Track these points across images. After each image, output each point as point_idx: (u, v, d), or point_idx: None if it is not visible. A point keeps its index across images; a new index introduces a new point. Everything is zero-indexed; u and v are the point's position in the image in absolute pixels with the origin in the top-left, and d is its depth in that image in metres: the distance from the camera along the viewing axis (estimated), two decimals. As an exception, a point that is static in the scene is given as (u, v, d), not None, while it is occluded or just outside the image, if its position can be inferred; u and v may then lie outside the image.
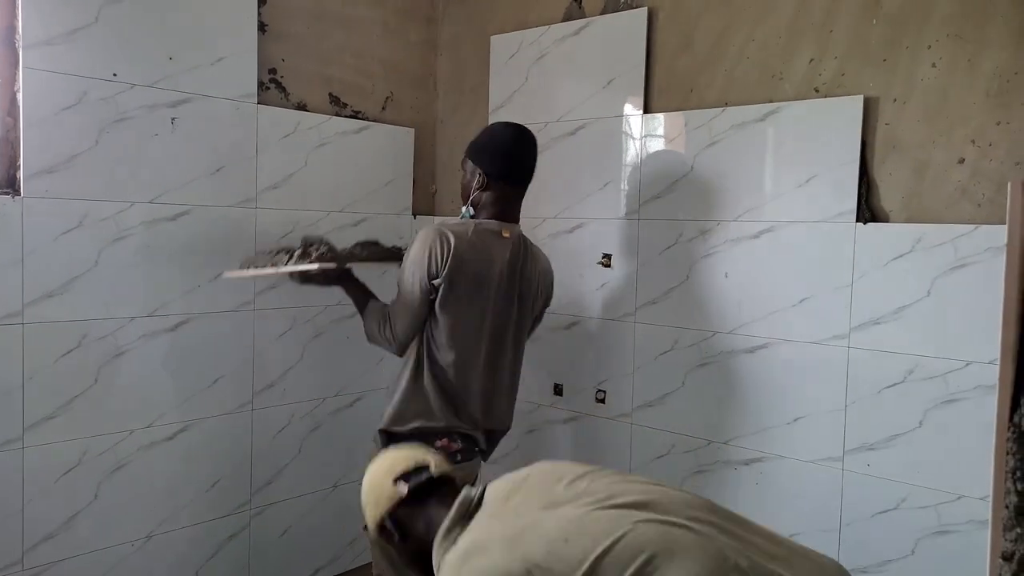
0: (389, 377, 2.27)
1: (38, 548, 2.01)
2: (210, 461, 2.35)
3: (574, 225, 2.58)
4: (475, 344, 1.99)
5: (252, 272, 2.09)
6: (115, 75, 2.06)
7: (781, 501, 2.14)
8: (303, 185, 2.47)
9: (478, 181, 2.01)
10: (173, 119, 2.18)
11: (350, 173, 2.62)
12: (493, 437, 2.15)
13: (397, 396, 1.99)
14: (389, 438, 1.99)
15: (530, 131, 2.09)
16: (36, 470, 1.99)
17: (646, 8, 2.38)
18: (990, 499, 1.16)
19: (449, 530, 1.26)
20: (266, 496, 2.50)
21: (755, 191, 2.17)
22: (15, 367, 1.94)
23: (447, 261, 1.89)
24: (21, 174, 1.93)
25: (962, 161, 1.87)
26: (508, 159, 2.03)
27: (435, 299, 1.93)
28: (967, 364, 1.85)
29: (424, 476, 1.40)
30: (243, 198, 2.36)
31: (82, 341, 2.05)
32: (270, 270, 2.03)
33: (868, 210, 2.01)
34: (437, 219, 2.03)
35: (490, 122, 2.78)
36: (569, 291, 2.59)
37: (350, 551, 2.75)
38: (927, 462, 1.91)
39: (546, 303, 2.20)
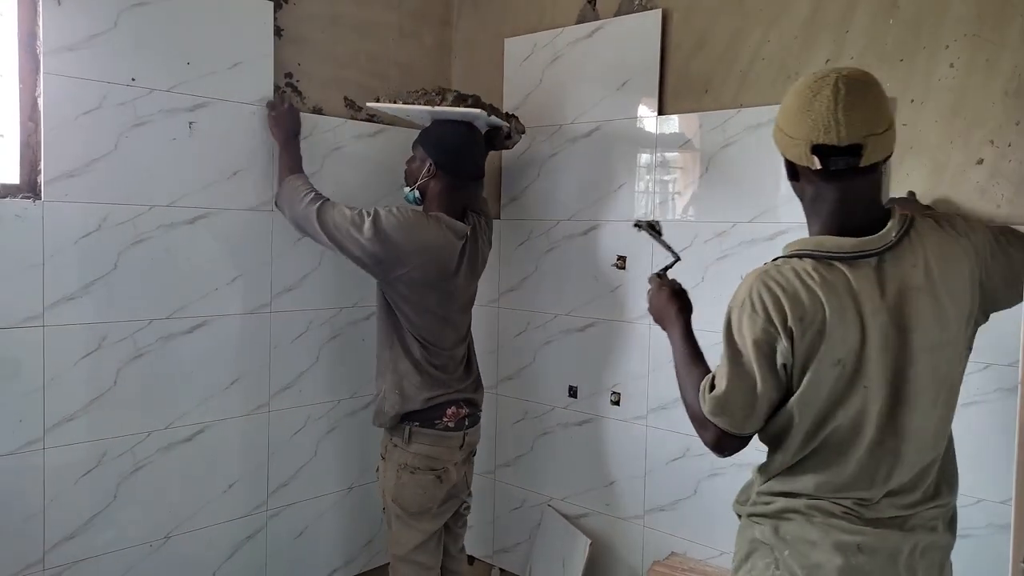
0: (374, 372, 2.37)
1: (59, 548, 2.03)
2: (227, 462, 2.37)
3: (588, 227, 2.58)
4: (445, 325, 2.24)
5: (394, 105, 2.28)
6: (134, 80, 2.08)
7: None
8: (320, 188, 2.47)
9: (427, 170, 2.20)
10: (191, 123, 2.20)
11: (366, 176, 2.63)
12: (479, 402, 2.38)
13: (398, 383, 2.20)
14: (407, 419, 2.19)
15: (480, 132, 2.29)
16: (57, 471, 2.02)
17: (660, 9, 2.37)
18: (1012, 503, 1.14)
19: None
20: (282, 497, 2.51)
21: (770, 193, 2.16)
22: (36, 369, 1.97)
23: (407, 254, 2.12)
24: (42, 178, 1.96)
25: (981, 162, 1.86)
26: (457, 155, 2.21)
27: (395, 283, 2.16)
28: (986, 366, 1.84)
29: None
30: (259, 201, 2.38)
31: (102, 343, 2.07)
32: (413, 106, 2.25)
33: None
34: (391, 209, 2.16)
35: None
36: (583, 293, 2.59)
37: (366, 552, 2.76)
38: (946, 465, 1.90)
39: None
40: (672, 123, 2.37)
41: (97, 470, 2.09)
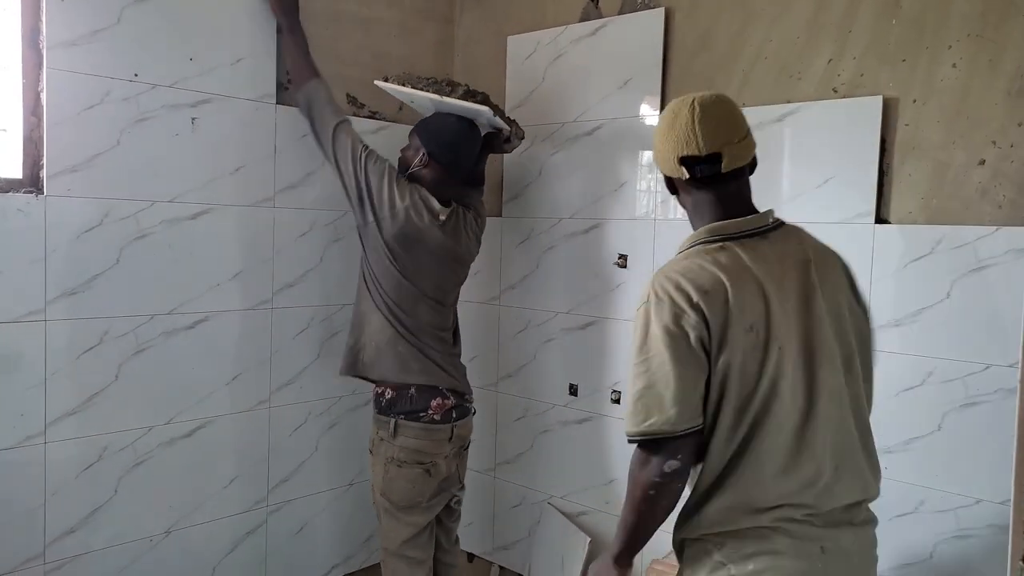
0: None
1: (59, 542, 2.04)
2: (228, 458, 2.37)
3: (590, 225, 2.58)
4: (418, 299, 2.25)
5: (403, 88, 2.31)
6: (136, 75, 2.08)
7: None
8: (321, 184, 2.48)
9: (420, 159, 2.24)
10: (193, 119, 2.20)
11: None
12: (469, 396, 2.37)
13: (372, 335, 2.23)
14: (391, 410, 2.21)
15: (479, 131, 2.31)
16: (58, 465, 2.02)
17: (663, 8, 2.37)
18: (1011, 503, 1.15)
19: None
20: (283, 493, 2.52)
21: (772, 192, 2.16)
22: (38, 364, 1.97)
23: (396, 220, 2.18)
24: (44, 173, 1.96)
25: (983, 162, 1.86)
26: (451, 148, 2.24)
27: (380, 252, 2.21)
28: (987, 367, 1.84)
29: None
30: (261, 197, 2.38)
31: (103, 338, 2.07)
32: (421, 92, 2.28)
33: (886, 211, 2.00)
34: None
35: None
36: (584, 291, 2.59)
37: (365, 549, 2.77)
38: (945, 466, 1.90)
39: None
40: (674, 122, 2.37)
41: (98, 465, 2.09)
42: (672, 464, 1.36)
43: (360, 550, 2.76)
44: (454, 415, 2.25)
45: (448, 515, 2.40)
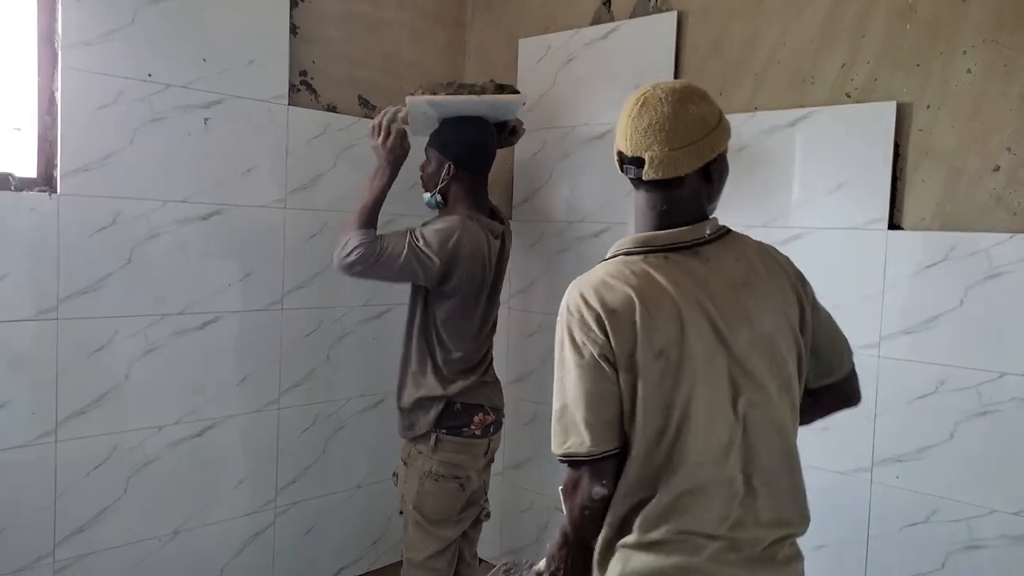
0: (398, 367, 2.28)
1: (69, 541, 2.04)
2: (237, 459, 2.37)
3: (600, 229, 2.57)
4: (480, 330, 2.20)
5: (437, 97, 2.15)
6: (150, 75, 2.09)
7: (808, 512, 2.11)
8: (332, 186, 2.49)
9: (447, 171, 2.13)
10: (206, 120, 2.21)
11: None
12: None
13: (424, 399, 2.14)
14: (435, 426, 2.13)
15: (491, 124, 2.24)
16: (68, 464, 2.03)
17: (675, 11, 2.37)
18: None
19: None
20: (291, 495, 2.52)
21: (784, 197, 2.15)
22: (49, 362, 1.98)
23: (452, 263, 2.05)
24: (58, 172, 1.97)
25: (997, 168, 1.84)
26: (474, 150, 2.17)
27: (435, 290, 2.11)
28: (1001, 375, 1.82)
29: None
30: (273, 198, 2.39)
31: (114, 337, 2.08)
32: (450, 98, 2.14)
33: (899, 218, 1.98)
34: (429, 224, 2.11)
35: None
36: (595, 295, 2.58)
37: (373, 551, 2.76)
38: (958, 475, 1.88)
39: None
40: (686, 126, 2.36)
41: (107, 464, 2.10)
42: (599, 491, 1.28)
43: (368, 552, 2.76)
44: (491, 430, 2.21)
45: (474, 528, 2.35)
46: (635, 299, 1.26)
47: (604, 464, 1.27)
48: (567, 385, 1.28)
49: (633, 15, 2.49)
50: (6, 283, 1.90)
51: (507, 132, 2.37)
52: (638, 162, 1.31)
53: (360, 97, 2.63)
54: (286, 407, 2.48)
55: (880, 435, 1.99)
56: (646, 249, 1.32)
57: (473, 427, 2.15)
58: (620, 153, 1.34)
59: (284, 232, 2.42)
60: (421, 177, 2.25)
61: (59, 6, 1.94)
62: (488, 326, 2.24)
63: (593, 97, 2.58)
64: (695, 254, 1.32)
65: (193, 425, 2.26)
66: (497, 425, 2.24)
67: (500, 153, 2.42)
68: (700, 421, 1.25)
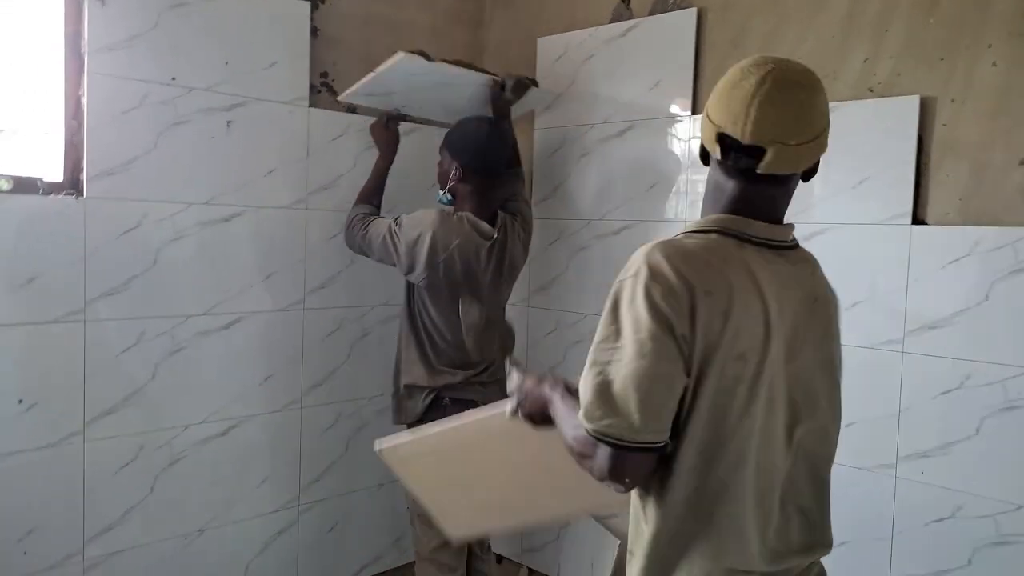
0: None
1: (97, 539, 2.07)
2: (260, 457, 2.39)
3: (620, 227, 2.57)
4: (468, 330, 2.22)
5: (413, 57, 2.19)
6: (174, 79, 2.11)
7: (832, 508, 2.11)
8: (353, 186, 2.49)
9: (455, 173, 2.20)
10: (228, 122, 2.23)
11: (399, 175, 2.64)
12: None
13: (411, 385, 2.23)
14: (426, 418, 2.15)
15: (505, 127, 2.28)
16: (96, 463, 2.06)
17: (695, 8, 2.36)
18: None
19: None
20: (314, 493, 2.54)
21: (807, 193, 2.14)
22: (77, 362, 2.01)
23: (437, 260, 2.13)
24: (84, 176, 2.00)
25: (1023, 163, 1.83)
26: (481, 154, 2.20)
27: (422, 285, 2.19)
28: (1027, 371, 1.81)
29: None
30: (294, 199, 2.40)
31: (140, 338, 2.11)
32: (430, 64, 2.22)
33: (923, 212, 1.97)
34: (415, 212, 2.21)
35: (535, 126, 2.79)
36: (615, 293, 2.58)
37: (395, 549, 2.78)
38: (984, 470, 1.87)
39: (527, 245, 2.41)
40: (706, 123, 2.36)
41: (135, 463, 2.13)
42: (618, 487, 1.11)
43: (390, 550, 2.77)
44: None
45: None
46: (733, 287, 1.09)
47: (642, 459, 1.09)
48: (625, 356, 1.06)
49: (652, 12, 2.48)
50: (35, 285, 1.93)
51: (500, 93, 2.42)
52: (754, 152, 1.11)
53: (379, 97, 2.64)
54: (309, 406, 2.50)
55: (904, 431, 1.98)
56: (741, 235, 1.15)
57: None
58: (725, 137, 1.12)
59: (306, 233, 2.44)
60: (437, 173, 2.31)
61: (85, 12, 1.96)
62: (483, 324, 2.23)
63: (612, 95, 2.57)
64: (781, 255, 1.17)
65: (218, 424, 2.28)
66: None
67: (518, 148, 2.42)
68: (756, 443, 1.11)
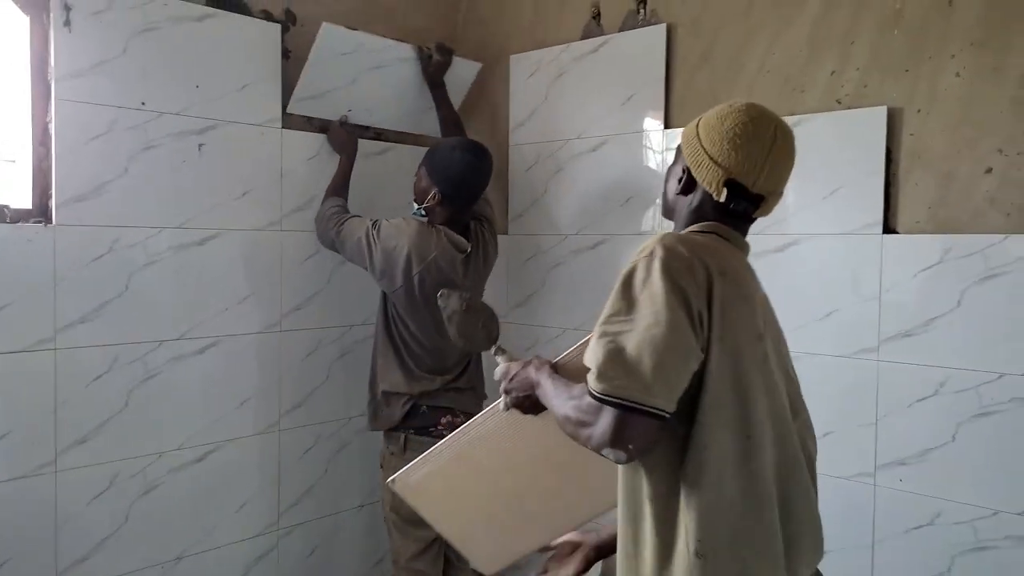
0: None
1: (71, 572, 2.03)
2: (238, 482, 2.36)
3: (596, 241, 2.58)
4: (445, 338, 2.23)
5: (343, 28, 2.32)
6: (143, 104, 2.10)
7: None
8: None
9: (433, 196, 2.20)
10: (200, 145, 2.22)
11: (373, 193, 2.64)
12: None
13: (389, 392, 2.24)
14: (401, 427, 2.23)
15: (486, 153, 2.26)
16: (69, 493, 2.02)
17: (665, 24, 2.38)
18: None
19: None
20: (294, 516, 2.51)
21: (780, 205, 2.15)
22: (48, 392, 1.98)
23: (413, 274, 2.15)
24: (53, 203, 1.97)
25: (990, 171, 1.85)
26: (461, 185, 2.21)
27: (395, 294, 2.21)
28: (1000, 376, 1.82)
29: None
30: (268, 221, 2.39)
31: (113, 365, 2.08)
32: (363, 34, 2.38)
33: (894, 222, 1.99)
34: (394, 220, 2.25)
35: (510, 143, 2.80)
36: (592, 307, 2.57)
37: (377, 570, 2.75)
38: (961, 477, 1.88)
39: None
40: (679, 136, 2.37)
41: (109, 492, 2.09)
42: (619, 455, 1.11)
43: (372, 572, 2.74)
44: None
45: None
46: (744, 272, 1.19)
47: (648, 424, 1.09)
48: (637, 324, 1.09)
49: (623, 28, 2.50)
50: (3, 314, 1.90)
51: (428, 65, 2.56)
52: (757, 200, 1.23)
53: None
54: (287, 428, 2.47)
55: (882, 439, 1.99)
56: (728, 239, 1.26)
57: (440, 427, 2.21)
58: (734, 183, 1.21)
59: (281, 254, 2.43)
60: (413, 184, 2.33)
61: (51, 38, 1.94)
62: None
63: (585, 111, 2.59)
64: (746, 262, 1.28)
65: (194, 450, 2.25)
66: None
67: (493, 169, 2.42)
68: (777, 430, 1.17)
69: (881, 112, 1.98)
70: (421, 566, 2.27)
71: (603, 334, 1.13)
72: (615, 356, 1.09)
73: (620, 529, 1.25)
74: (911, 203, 1.97)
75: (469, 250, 2.25)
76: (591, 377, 1.12)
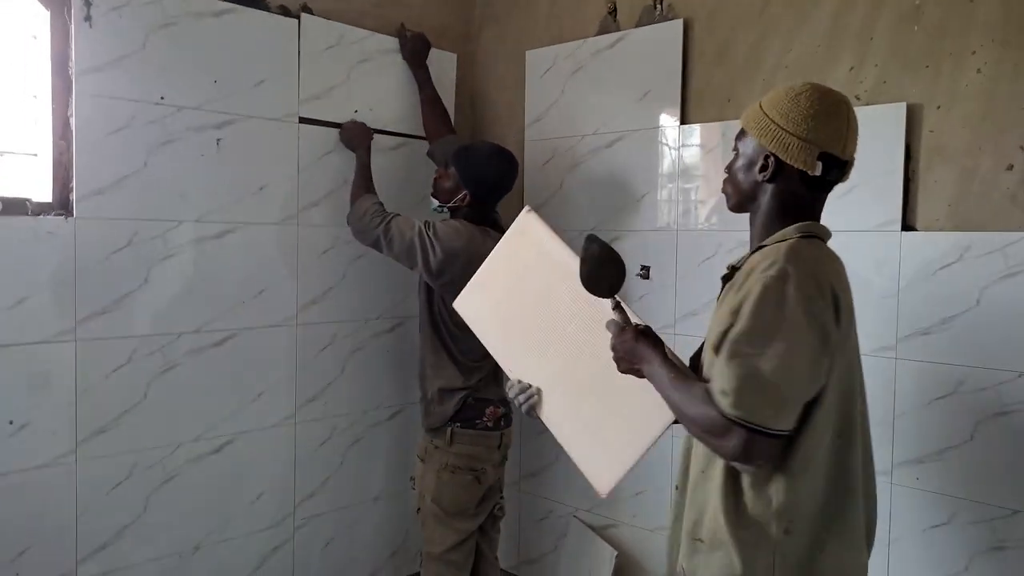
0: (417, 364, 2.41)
1: (90, 559, 2.06)
2: (255, 474, 2.39)
3: (611, 237, 2.57)
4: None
5: None
6: (162, 99, 2.12)
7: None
8: (343, 202, 2.49)
9: (462, 197, 2.25)
10: (218, 140, 2.23)
11: (389, 189, 2.64)
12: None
13: (444, 387, 2.27)
14: (450, 420, 2.26)
15: (515, 161, 2.31)
16: (88, 483, 2.05)
17: (681, 19, 2.37)
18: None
19: None
20: (309, 508, 2.53)
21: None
22: (68, 383, 2.00)
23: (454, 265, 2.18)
24: (74, 196, 2.00)
25: (1011, 167, 1.83)
26: (493, 188, 2.27)
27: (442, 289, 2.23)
28: (1020, 375, 1.81)
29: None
30: (285, 215, 2.41)
31: (132, 357, 2.10)
32: None
33: (913, 219, 1.97)
34: (449, 222, 2.28)
35: (526, 139, 2.80)
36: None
37: (392, 563, 2.77)
38: (979, 476, 1.86)
39: None
40: (694, 132, 2.37)
41: (128, 482, 2.12)
42: (747, 468, 1.24)
43: (386, 564, 2.76)
44: (503, 423, 2.31)
45: (492, 524, 2.42)
46: (847, 280, 1.32)
47: (775, 445, 1.21)
48: (772, 350, 1.18)
49: (639, 24, 2.49)
50: (25, 306, 1.92)
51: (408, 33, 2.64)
52: (845, 167, 1.34)
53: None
54: (303, 421, 2.49)
55: (899, 437, 1.98)
56: (824, 238, 1.37)
57: (486, 419, 2.26)
58: (831, 156, 1.31)
59: (297, 248, 2.44)
60: (435, 181, 2.35)
61: (72, 34, 1.97)
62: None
63: (601, 106, 2.58)
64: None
65: (212, 441, 2.28)
66: (507, 419, 2.33)
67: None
68: (863, 426, 1.33)
69: (900, 108, 1.96)
70: (457, 557, 2.30)
71: (734, 354, 1.21)
72: (750, 381, 1.18)
73: (697, 499, 1.34)
74: (930, 200, 1.95)
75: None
76: (723, 397, 1.20)
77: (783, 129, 1.32)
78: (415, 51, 2.66)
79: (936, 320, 1.92)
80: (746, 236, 2.22)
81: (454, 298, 2.21)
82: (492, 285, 1.85)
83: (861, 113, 2.01)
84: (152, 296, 2.13)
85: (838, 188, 2.04)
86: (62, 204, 2.01)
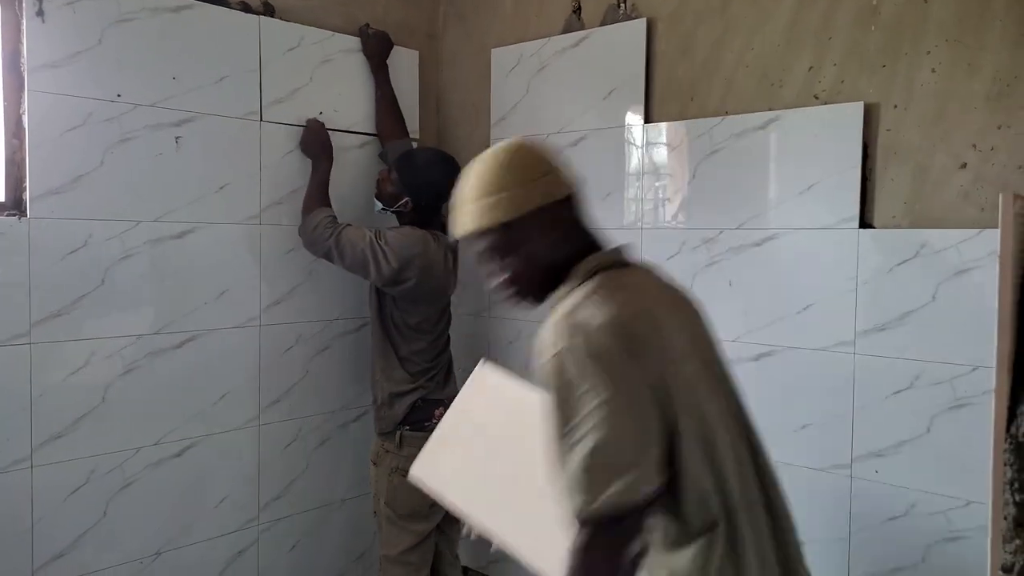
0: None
1: (48, 567, 2.01)
2: (218, 477, 2.35)
3: (577, 236, 2.58)
4: (435, 335, 2.40)
5: None
6: (119, 96, 2.08)
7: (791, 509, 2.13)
8: (307, 201, 2.47)
9: (404, 203, 2.33)
10: (177, 138, 2.20)
11: (351, 188, 2.63)
12: None
13: (393, 391, 2.33)
14: (399, 424, 2.32)
15: (459, 168, 2.28)
16: (45, 489, 2.00)
17: (645, 18, 2.39)
18: (988, 507, 1.15)
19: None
20: (274, 511, 2.50)
21: (757, 199, 2.17)
22: (23, 387, 1.96)
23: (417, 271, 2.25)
24: (27, 195, 1.95)
25: (964, 166, 1.87)
26: (433, 195, 2.30)
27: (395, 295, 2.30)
28: (974, 368, 1.84)
29: None
30: (248, 215, 2.37)
31: (89, 360, 2.06)
32: None
33: (870, 216, 2.01)
34: (400, 229, 2.35)
35: (491, 138, 2.79)
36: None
37: (358, 566, 2.75)
38: (936, 468, 1.90)
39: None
40: (659, 131, 2.38)
41: (86, 487, 2.07)
42: (635, 548, 1.07)
43: (354, 567, 2.74)
44: None
45: (450, 524, 2.41)
46: (649, 309, 1.17)
47: (646, 510, 1.08)
48: (597, 419, 1.05)
49: (603, 23, 2.50)
50: (-23, 309, 1.88)
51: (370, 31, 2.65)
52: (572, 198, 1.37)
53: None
54: (267, 423, 2.46)
55: (858, 431, 2.01)
56: (604, 265, 1.31)
57: (434, 420, 2.24)
58: (572, 198, 1.38)
59: (260, 248, 2.41)
60: (378, 183, 2.43)
61: (24, 29, 1.92)
62: (444, 321, 2.44)
63: (567, 104, 2.59)
64: (626, 267, 1.37)
65: (173, 445, 2.24)
66: None
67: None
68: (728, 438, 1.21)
69: (858, 107, 1.99)
70: (414, 558, 2.33)
71: (569, 451, 1.07)
72: (589, 466, 1.04)
73: None
74: (887, 198, 1.98)
75: (452, 244, 2.37)
76: (579, 505, 1.05)
77: (514, 202, 1.29)
78: (376, 50, 2.65)
79: (894, 316, 1.96)
80: (709, 233, 2.26)
81: (408, 303, 2.30)
82: (452, 441, 1.76)
83: (820, 112, 2.07)
84: (110, 298, 2.09)
85: (797, 185, 2.10)
86: (15, 204, 1.96)
